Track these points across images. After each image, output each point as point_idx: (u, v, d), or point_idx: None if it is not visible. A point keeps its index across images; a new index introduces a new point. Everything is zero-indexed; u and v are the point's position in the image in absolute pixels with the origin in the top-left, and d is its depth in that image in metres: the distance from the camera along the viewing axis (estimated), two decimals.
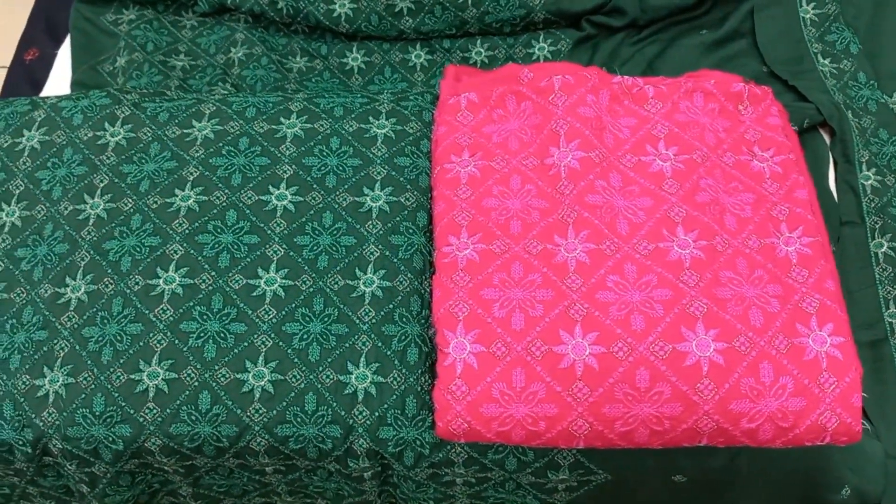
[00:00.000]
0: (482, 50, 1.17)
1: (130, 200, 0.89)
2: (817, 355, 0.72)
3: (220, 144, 0.92)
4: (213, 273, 0.84)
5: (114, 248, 0.86)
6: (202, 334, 0.81)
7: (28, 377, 0.81)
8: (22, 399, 0.81)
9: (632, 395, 0.71)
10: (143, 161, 0.91)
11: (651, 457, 0.79)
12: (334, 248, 0.86)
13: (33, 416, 0.80)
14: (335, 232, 0.87)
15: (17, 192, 0.92)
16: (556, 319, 0.74)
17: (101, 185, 0.90)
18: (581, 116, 0.84)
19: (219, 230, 0.86)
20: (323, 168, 0.90)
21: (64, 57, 1.25)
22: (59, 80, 1.23)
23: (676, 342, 0.72)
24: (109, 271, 0.85)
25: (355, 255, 0.85)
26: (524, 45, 1.18)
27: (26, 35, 1.36)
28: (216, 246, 0.85)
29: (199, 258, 0.85)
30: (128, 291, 0.83)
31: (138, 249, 0.85)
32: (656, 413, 0.71)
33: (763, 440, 0.72)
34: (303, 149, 0.91)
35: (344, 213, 0.87)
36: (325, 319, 0.82)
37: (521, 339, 0.73)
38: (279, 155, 0.91)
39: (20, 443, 0.80)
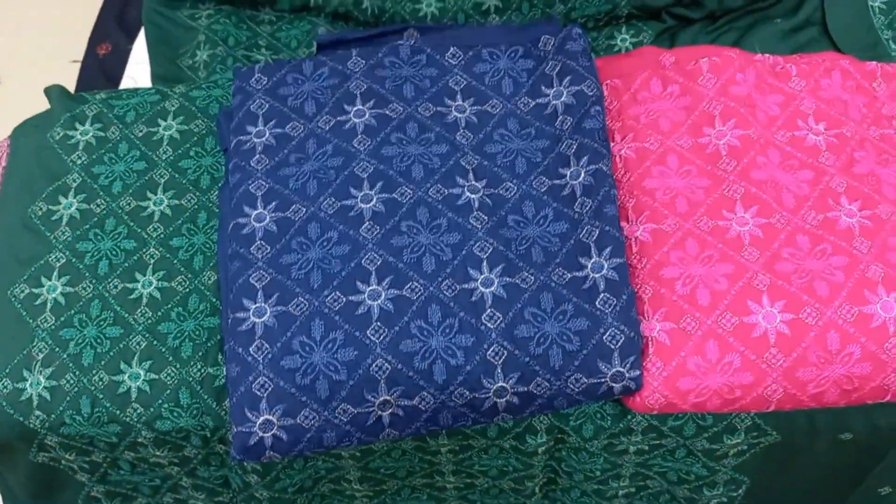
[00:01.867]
0: None
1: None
2: None
3: None
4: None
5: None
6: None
7: None
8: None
9: (824, 358, 0.75)
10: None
11: (822, 415, 0.83)
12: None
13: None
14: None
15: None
16: (741, 291, 0.77)
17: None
18: (734, 95, 0.88)
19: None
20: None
21: (138, 50, 1.24)
22: (138, 74, 1.22)
23: (862, 305, 0.76)
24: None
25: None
26: (606, 38, 1.20)
27: (98, 29, 1.35)
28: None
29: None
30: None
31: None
32: (847, 373, 0.75)
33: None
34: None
35: None
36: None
37: (709, 312, 0.76)
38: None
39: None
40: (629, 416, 0.83)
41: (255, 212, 0.84)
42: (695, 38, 1.23)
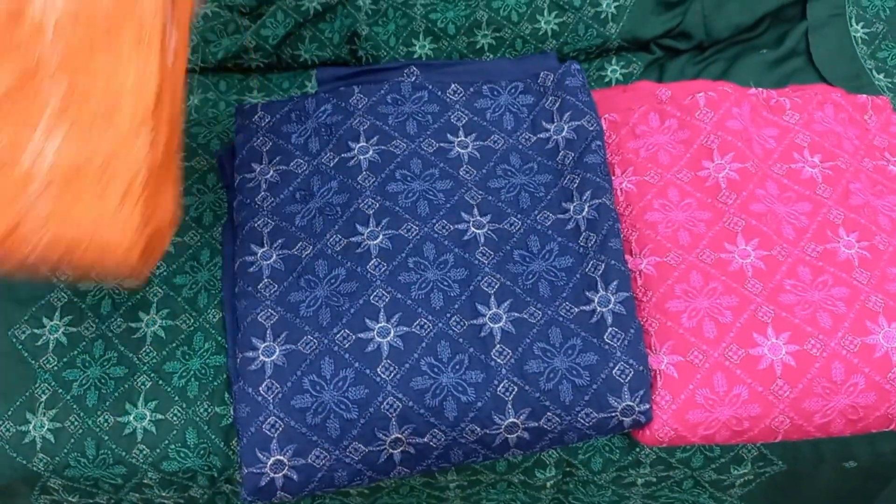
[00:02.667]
0: None
1: None
2: None
3: None
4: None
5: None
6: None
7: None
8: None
9: (829, 389, 0.76)
10: None
11: (827, 444, 0.84)
12: None
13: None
14: None
15: None
16: (746, 323, 0.78)
17: None
18: (730, 129, 0.90)
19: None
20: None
21: None
22: None
23: (864, 335, 0.77)
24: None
25: None
26: (597, 69, 1.22)
27: None
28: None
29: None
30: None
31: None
32: (852, 403, 0.76)
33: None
34: None
35: None
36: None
37: (716, 345, 0.77)
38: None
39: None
40: (638, 449, 0.83)
41: (262, 250, 0.85)
42: (683, 69, 1.25)
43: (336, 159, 0.89)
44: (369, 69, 0.99)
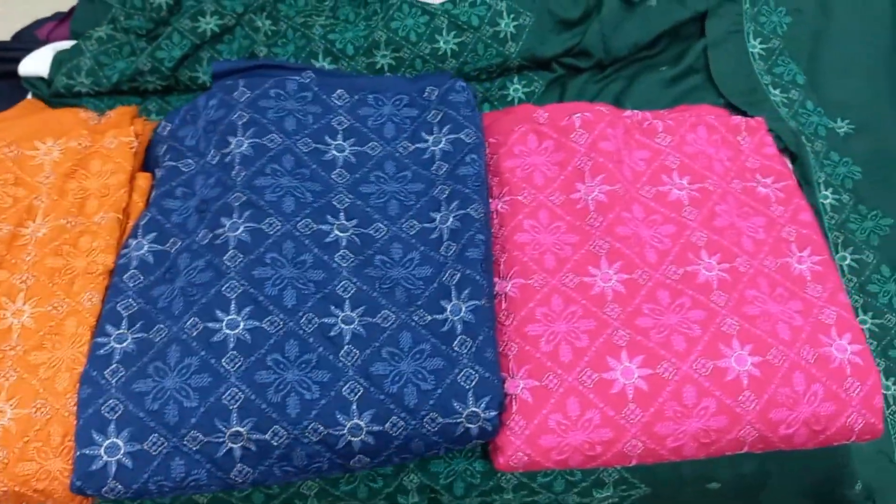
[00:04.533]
0: None
1: None
2: (841, 363, 0.79)
3: None
4: None
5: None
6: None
7: None
8: None
9: (681, 412, 0.76)
10: None
11: (688, 466, 0.84)
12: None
13: None
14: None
15: None
16: (601, 347, 0.78)
17: None
18: (603, 151, 0.90)
19: None
20: None
21: None
22: None
23: (717, 359, 0.78)
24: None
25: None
26: (499, 88, 1.22)
27: None
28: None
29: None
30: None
31: None
32: (704, 427, 0.77)
33: (798, 444, 0.78)
34: None
35: None
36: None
37: (571, 369, 0.77)
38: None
39: None
40: (499, 474, 0.83)
41: (135, 241, 0.85)
42: (584, 87, 1.26)
43: (217, 156, 0.89)
44: (266, 64, 0.99)
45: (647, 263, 0.84)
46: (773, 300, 0.82)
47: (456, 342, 0.78)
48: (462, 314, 0.79)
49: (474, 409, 0.75)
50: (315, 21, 1.18)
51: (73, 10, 1.23)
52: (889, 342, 1.07)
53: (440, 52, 1.16)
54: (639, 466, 0.83)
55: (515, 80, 1.23)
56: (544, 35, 1.21)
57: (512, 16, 1.19)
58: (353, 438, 0.75)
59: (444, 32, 1.16)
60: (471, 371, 0.76)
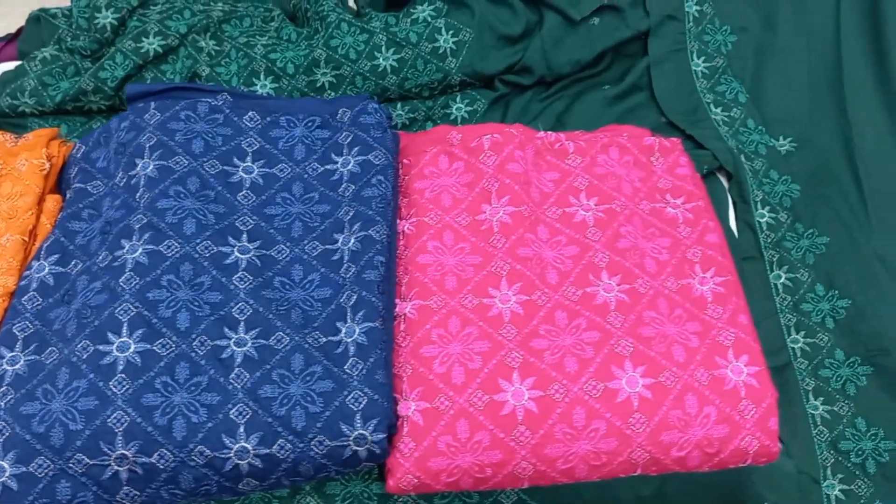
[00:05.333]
0: (402, 113, 1.21)
1: None
2: (736, 385, 0.78)
3: None
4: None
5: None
6: None
7: None
8: None
9: (570, 434, 0.76)
10: None
11: (587, 489, 0.84)
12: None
13: None
14: None
15: None
16: (494, 369, 0.78)
17: None
18: (510, 172, 0.91)
19: None
20: None
21: None
22: None
23: (608, 381, 0.77)
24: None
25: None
26: (442, 107, 1.23)
27: None
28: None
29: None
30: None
31: None
32: (594, 449, 0.76)
33: (692, 466, 0.78)
34: None
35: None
36: None
37: (462, 391, 0.77)
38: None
39: None
40: (395, 496, 0.83)
41: (38, 263, 0.86)
42: (527, 105, 1.27)
43: (125, 178, 0.89)
44: (181, 86, 1.00)
45: (548, 285, 0.84)
46: (670, 321, 0.82)
47: (347, 364, 0.78)
48: (356, 336, 0.80)
49: (362, 431, 0.75)
50: (258, 41, 1.20)
51: (20, 30, 1.25)
52: (820, 361, 1.07)
53: (380, 69, 1.17)
54: (537, 488, 0.83)
55: (458, 98, 1.24)
56: (485, 51, 1.22)
57: (451, 32, 1.20)
58: (239, 462, 0.74)
59: (384, 49, 1.17)
60: (360, 394, 0.76)
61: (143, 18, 1.19)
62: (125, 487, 0.74)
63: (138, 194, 0.87)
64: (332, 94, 1.18)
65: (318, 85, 1.17)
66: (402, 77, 1.19)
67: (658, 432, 0.76)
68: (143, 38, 1.16)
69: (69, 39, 1.17)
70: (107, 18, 1.17)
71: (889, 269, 1.12)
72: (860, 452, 1.00)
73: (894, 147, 1.21)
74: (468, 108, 1.24)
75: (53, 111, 1.17)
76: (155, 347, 0.77)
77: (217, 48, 1.19)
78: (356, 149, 0.92)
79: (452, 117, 1.24)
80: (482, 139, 0.93)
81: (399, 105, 1.22)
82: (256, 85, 1.17)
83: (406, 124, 1.21)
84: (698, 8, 1.32)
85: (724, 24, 1.33)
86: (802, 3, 1.31)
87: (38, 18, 1.23)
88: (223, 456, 0.74)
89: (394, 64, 1.18)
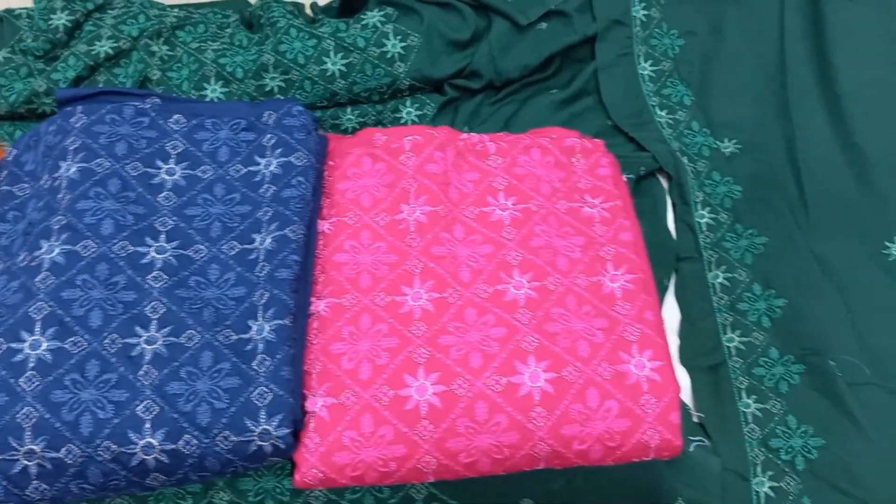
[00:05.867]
0: (352, 117, 1.23)
1: None
2: (638, 379, 0.80)
3: None
4: None
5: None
6: None
7: None
8: None
9: (472, 428, 0.77)
10: None
11: (498, 483, 0.85)
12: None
13: None
14: None
15: None
16: (400, 365, 0.80)
17: None
18: (429, 173, 0.92)
19: None
20: None
21: None
22: None
23: (510, 375, 0.79)
24: None
25: None
26: (392, 111, 1.25)
27: None
28: None
29: None
30: None
31: None
32: (496, 442, 0.78)
33: (594, 460, 0.79)
34: None
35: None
36: None
37: (368, 386, 0.79)
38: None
39: None
40: (307, 492, 0.84)
41: None
42: (477, 109, 1.29)
43: (50, 181, 0.91)
44: (110, 90, 1.01)
45: (460, 282, 0.85)
46: (578, 318, 0.83)
47: (255, 361, 0.80)
48: (265, 333, 0.81)
49: (266, 427, 0.77)
50: (209, 46, 1.22)
51: None
52: (755, 360, 1.07)
53: (328, 74, 1.19)
54: (448, 482, 0.84)
55: (408, 102, 1.26)
56: (434, 56, 1.24)
57: (399, 37, 1.22)
58: (145, 457, 0.76)
59: (332, 54, 1.19)
60: (265, 390, 0.78)
61: (98, 22, 1.21)
62: (34, 482, 0.76)
63: (60, 196, 0.88)
64: (282, 98, 1.20)
65: (268, 89, 1.19)
66: (350, 81, 1.20)
67: (559, 426, 0.77)
68: (96, 42, 1.18)
69: (30, 41, 1.20)
70: (60, 20, 1.19)
71: (826, 270, 1.13)
72: (790, 450, 1.00)
73: (836, 149, 1.22)
74: (418, 112, 1.26)
75: (9, 115, 1.19)
76: (66, 345, 0.78)
77: (169, 53, 1.21)
78: (279, 150, 0.94)
79: (402, 121, 1.26)
80: (403, 140, 0.95)
81: (349, 109, 1.23)
82: (207, 89, 1.19)
83: (357, 128, 1.23)
84: (645, 12, 1.34)
85: (672, 28, 1.34)
86: (748, 7, 1.33)
87: (2, 19, 1.25)
88: (129, 451, 0.76)
89: (342, 68, 1.20)
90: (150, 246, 0.87)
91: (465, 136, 0.98)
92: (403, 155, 0.94)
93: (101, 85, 1.18)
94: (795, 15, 1.29)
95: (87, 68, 1.17)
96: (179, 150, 0.95)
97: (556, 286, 0.85)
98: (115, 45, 1.18)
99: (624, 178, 1.02)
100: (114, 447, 0.75)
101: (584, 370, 0.79)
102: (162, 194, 0.91)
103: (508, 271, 0.86)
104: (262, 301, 0.83)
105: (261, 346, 0.80)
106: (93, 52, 1.18)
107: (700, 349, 1.07)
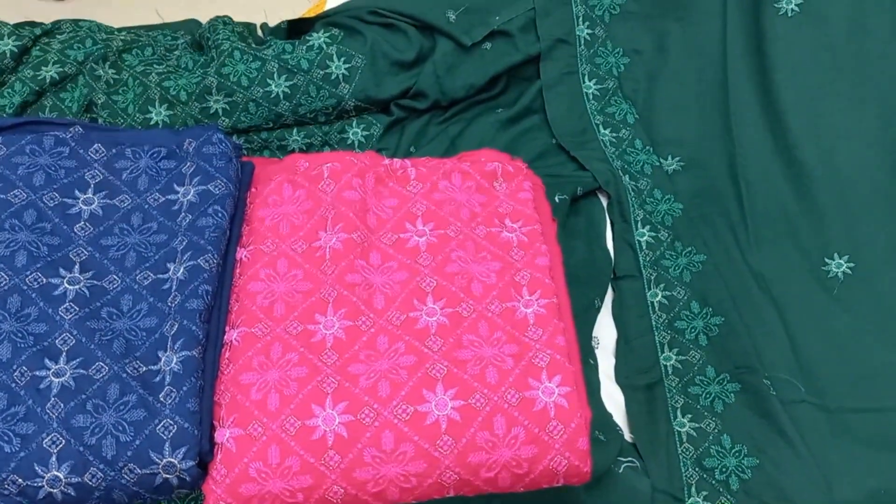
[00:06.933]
0: (299, 138, 1.24)
1: None
2: (546, 405, 0.80)
3: None
4: None
5: None
6: None
7: None
8: None
9: (379, 458, 0.77)
10: None
11: None
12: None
13: None
14: None
15: None
16: (308, 395, 0.80)
17: None
18: (346, 200, 0.93)
19: None
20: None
21: None
22: None
23: (418, 404, 0.79)
24: None
25: None
26: (339, 132, 1.25)
27: None
28: None
29: None
30: None
31: None
32: (403, 472, 0.78)
33: (503, 487, 0.79)
34: None
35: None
36: None
37: (275, 417, 0.79)
38: None
39: None
40: None
41: None
42: (423, 129, 1.29)
43: None
44: (34, 121, 1.01)
45: (374, 310, 0.86)
46: (489, 344, 0.83)
47: (162, 393, 0.80)
48: (172, 365, 0.81)
49: (171, 459, 0.77)
50: (154, 69, 1.23)
51: None
52: (691, 379, 1.07)
53: (272, 95, 1.19)
54: None
55: (354, 123, 1.27)
56: (379, 77, 1.25)
57: (343, 59, 1.23)
58: (52, 490, 0.76)
59: (276, 76, 1.20)
60: (170, 422, 0.78)
61: (45, 47, 1.22)
62: None
63: None
64: (227, 120, 1.20)
65: (212, 112, 1.20)
66: (295, 103, 1.21)
67: (465, 454, 0.78)
68: (43, 67, 1.19)
69: None
70: (7, 46, 1.20)
71: (763, 287, 1.13)
72: (724, 469, 1.00)
73: (777, 165, 1.23)
74: (364, 133, 1.27)
75: None
76: None
77: (115, 76, 1.22)
78: (197, 178, 0.95)
79: (349, 142, 1.26)
80: (322, 167, 0.96)
81: (295, 130, 1.24)
82: (152, 112, 1.19)
83: (303, 149, 1.24)
84: (590, 31, 1.34)
85: (617, 46, 1.35)
86: (692, 25, 1.33)
87: None
88: (35, 485, 0.76)
89: (286, 90, 1.20)
90: (63, 277, 0.87)
91: (387, 161, 0.99)
92: (322, 182, 0.95)
93: (47, 110, 1.19)
94: (737, 33, 1.29)
95: (33, 93, 1.18)
96: (98, 180, 0.95)
97: (470, 312, 0.86)
98: (61, 69, 1.19)
99: (556, 198, 1.02)
100: (20, 480, 0.76)
101: (492, 397, 0.79)
102: (78, 224, 0.92)
103: (422, 298, 0.87)
104: (172, 332, 0.84)
105: (168, 378, 0.81)
106: (39, 77, 1.18)
107: (637, 368, 1.07)
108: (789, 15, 1.25)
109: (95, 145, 0.98)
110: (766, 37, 1.26)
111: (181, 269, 0.88)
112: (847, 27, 1.25)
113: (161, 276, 0.89)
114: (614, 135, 1.28)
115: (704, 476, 1.00)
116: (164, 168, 0.98)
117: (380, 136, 1.27)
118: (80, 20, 1.30)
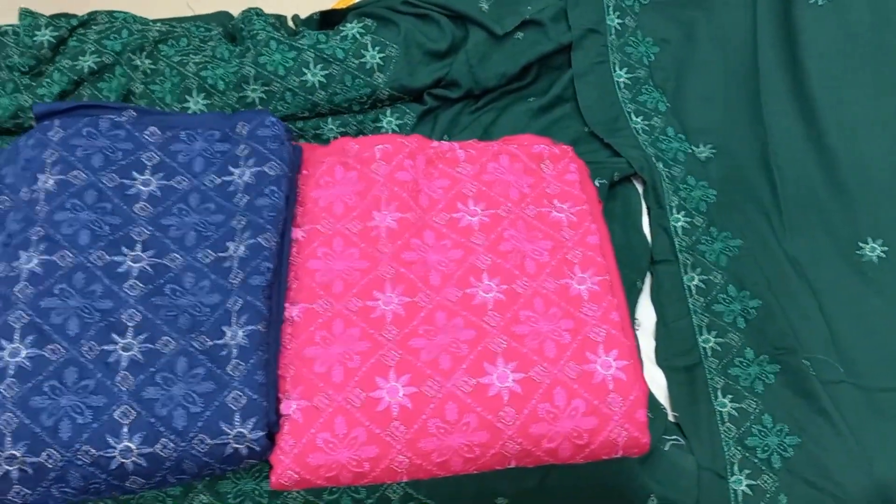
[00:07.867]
0: (333, 127, 1.25)
1: None
2: (604, 378, 0.81)
3: None
4: None
5: None
6: None
7: None
8: None
9: (444, 428, 0.79)
10: None
11: (472, 482, 0.87)
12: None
13: None
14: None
15: None
16: (371, 368, 0.81)
17: None
18: (399, 181, 0.94)
19: None
20: None
21: None
22: None
23: (479, 376, 0.81)
24: None
25: None
26: (373, 121, 1.27)
27: None
28: None
29: None
30: None
31: None
32: (467, 442, 0.79)
33: (563, 457, 0.81)
34: None
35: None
36: None
37: (341, 389, 0.80)
38: None
39: None
40: (285, 493, 0.85)
41: None
42: (456, 118, 1.31)
43: (29, 194, 0.92)
44: (87, 105, 1.03)
45: (430, 287, 0.87)
46: (545, 319, 0.85)
47: (230, 366, 0.82)
48: (238, 339, 0.83)
49: (241, 430, 0.78)
50: (191, 59, 1.24)
51: None
52: (730, 360, 1.09)
53: (308, 85, 1.21)
54: (423, 482, 0.85)
55: (388, 112, 1.28)
56: (412, 66, 1.26)
57: (377, 48, 1.24)
58: (124, 461, 0.78)
59: (311, 65, 1.21)
60: (239, 393, 0.80)
61: (81, 38, 1.23)
62: (16, 486, 0.77)
63: (38, 207, 0.90)
64: (261, 108, 1.22)
65: (249, 101, 1.21)
66: (330, 92, 1.23)
67: (527, 425, 0.79)
68: (80, 57, 1.20)
69: (13, 57, 1.22)
70: (45, 36, 1.21)
71: (799, 271, 1.15)
72: (766, 448, 1.01)
73: (808, 152, 1.24)
74: (398, 122, 1.28)
75: None
76: (45, 353, 0.80)
77: (152, 67, 1.23)
78: (252, 160, 0.96)
79: (383, 130, 1.28)
80: (374, 149, 0.97)
81: (330, 119, 1.25)
82: (189, 101, 1.21)
83: (338, 138, 1.25)
84: (620, 21, 1.36)
85: (647, 35, 1.36)
86: (720, 15, 1.35)
87: None
88: (108, 455, 0.77)
89: (322, 80, 1.22)
90: (126, 255, 0.89)
91: (435, 144, 1.00)
92: (374, 163, 0.96)
93: (85, 99, 1.20)
94: (768, 23, 1.31)
95: (71, 83, 1.19)
96: (155, 162, 0.97)
97: (524, 289, 0.87)
98: (99, 59, 1.20)
99: (596, 182, 1.04)
100: (93, 451, 0.77)
101: (552, 370, 0.81)
102: (138, 204, 0.93)
103: (478, 275, 0.88)
104: (236, 307, 0.85)
105: (235, 352, 0.82)
106: (77, 68, 1.20)
107: (676, 350, 1.08)
108: (819, 3, 1.27)
109: (150, 128, 1.00)
110: (796, 26, 1.28)
111: (241, 248, 0.89)
112: (871, 19, 1.27)
113: (221, 254, 0.90)
114: (646, 123, 1.29)
115: (747, 455, 1.02)
116: (218, 150, 0.99)
117: (413, 125, 1.28)
118: (114, 11, 1.32)
